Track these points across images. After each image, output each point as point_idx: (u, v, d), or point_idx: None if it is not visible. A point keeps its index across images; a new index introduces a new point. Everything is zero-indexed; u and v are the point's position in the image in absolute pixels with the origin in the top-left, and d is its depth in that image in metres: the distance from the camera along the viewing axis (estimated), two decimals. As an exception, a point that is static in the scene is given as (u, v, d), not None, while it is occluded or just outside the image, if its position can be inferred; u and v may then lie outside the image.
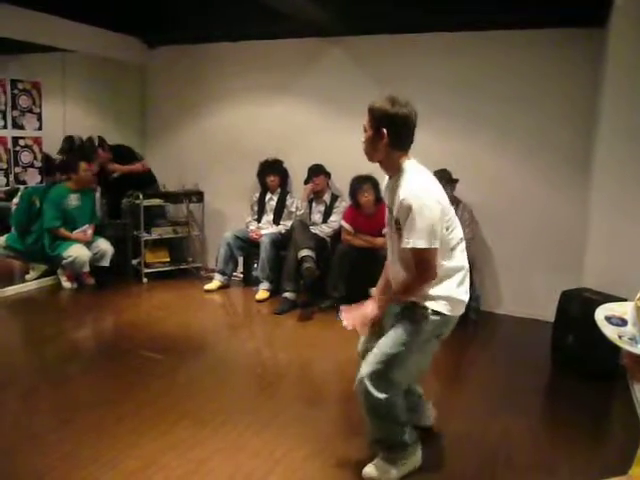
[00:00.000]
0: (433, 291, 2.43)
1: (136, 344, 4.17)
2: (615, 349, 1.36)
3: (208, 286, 5.59)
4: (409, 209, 2.26)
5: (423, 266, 2.33)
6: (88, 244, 5.42)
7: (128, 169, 5.97)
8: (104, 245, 5.51)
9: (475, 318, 4.84)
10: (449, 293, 2.45)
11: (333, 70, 5.63)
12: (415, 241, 2.27)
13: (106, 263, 5.53)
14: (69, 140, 5.91)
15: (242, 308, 5.56)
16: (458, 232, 2.49)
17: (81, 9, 5.33)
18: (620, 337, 1.32)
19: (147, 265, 5.86)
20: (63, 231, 5.38)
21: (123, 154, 6.07)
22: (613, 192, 4.01)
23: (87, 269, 5.40)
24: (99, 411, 3.11)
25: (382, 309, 2.58)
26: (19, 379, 3.59)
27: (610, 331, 1.34)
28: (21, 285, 5.44)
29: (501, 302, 5.23)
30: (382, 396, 2.43)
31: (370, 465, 2.58)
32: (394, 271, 2.56)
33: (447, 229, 2.40)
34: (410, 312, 2.48)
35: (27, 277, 5.59)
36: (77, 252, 5.30)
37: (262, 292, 5.36)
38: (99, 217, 5.78)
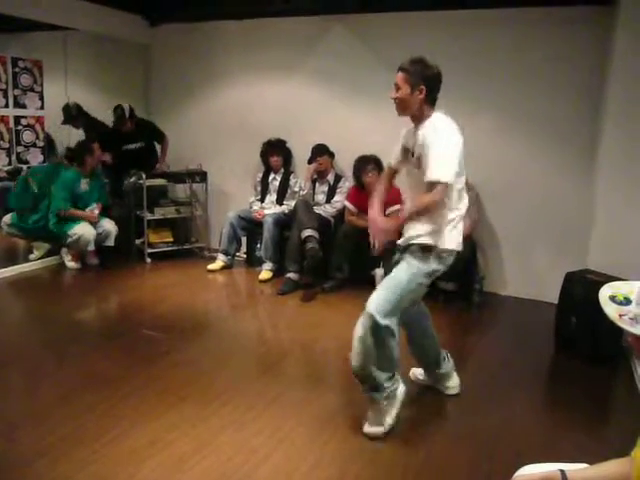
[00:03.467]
0: (436, 229, 2.68)
1: (139, 324, 4.19)
2: (618, 331, 1.35)
3: (211, 266, 5.59)
4: (437, 143, 2.56)
5: (439, 196, 2.56)
6: (93, 223, 5.43)
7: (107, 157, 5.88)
8: (109, 225, 5.53)
9: (479, 300, 4.84)
10: (452, 232, 2.71)
11: (338, 49, 5.57)
12: (442, 173, 2.54)
13: (111, 243, 5.55)
14: (120, 109, 5.88)
15: (245, 288, 5.57)
16: (464, 178, 2.74)
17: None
18: (620, 316, 1.31)
19: (150, 245, 5.86)
20: (73, 210, 5.37)
21: (141, 130, 6.02)
22: (618, 175, 3.98)
23: (92, 248, 5.41)
24: (102, 389, 3.13)
25: (398, 222, 2.79)
26: (21, 358, 3.60)
27: (611, 310, 1.33)
28: (25, 265, 5.45)
29: (505, 283, 5.22)
30: (385, 323, 2.63)
31: (366, 424, 2.78)
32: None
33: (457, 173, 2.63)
34: (417, 249, 2.71)
35: (31, 257, 5.60)
36: (82, 230, 5.31)
37: (265, 272, 5.36)
38: (107, 198, 5.77)
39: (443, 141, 2.59)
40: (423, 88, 2.63)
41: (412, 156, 2.76)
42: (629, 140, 3.90)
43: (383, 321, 2.63)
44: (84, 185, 5.49)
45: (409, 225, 2.77)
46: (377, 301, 2.69)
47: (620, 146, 3.96)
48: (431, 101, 2.69)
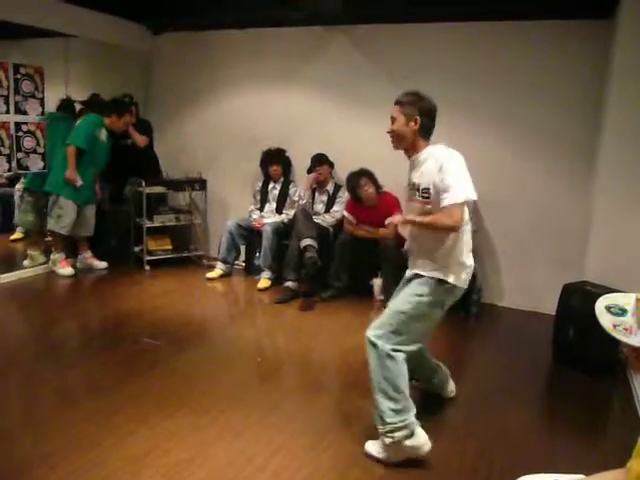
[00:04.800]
0: (442, 261, 2.68)
1: (137, 331, 4.18)
2: (615, 343, 1.37)
3: (210, 274, 5.60)
4: (442, 170, 2.56)
5: (456, 217, 2.54)
6: (79, 209, 5.43)
7: (143, 140, 5.84)
8: (89, 213, 5.55)
9: (477, 311, 4.85)
10: (456, 264, 2.70)
11: (339, 59, 5.61)
12: (460, 194, 2.53)
13: (89, 233, 5.60)
14: (128, 97, 5.94)
15: (244, 297, 5.57)
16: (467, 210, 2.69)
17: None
18: (615, 327, 1.32)
19: (149, 253, 5.87)
20: (74, 157, 5.28)
21: (142, 126, 5.99)
22: (616, 187, 4.00)
23: (66, 232, 5.39)
24: (100, 397, 3.13)
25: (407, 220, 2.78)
26: (19, 366, 3.59)
27: (606, 320, 1.34)
28: (18, 272, 5.43)
29: (503, 295, 5.23)
30: (383, 344, 2.62)
31: (370, 442, 2.72)
32: (420, 244, 2.79)
33: None
34: (419, 278, 2.73)
35: (24, 263, 5.59)
36: (66, 212, 5.32)
37: (264, 281, 5.37)
38: (106, 166, 5.70)
39: (453, 165, 2.58)
40: (417, 119, 2.65)
41: (411, 188, 2.77)
42: (628, 153, 3.92)
43: (380, 343, 2.62)
44: (103, 135, 5.50)
45: (418, 258, 2.77)
46: (376, 323, 2.71)
47: (618, 159, 3.99)
48: (425, 133, 2.70)
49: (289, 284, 5.10)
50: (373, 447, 2.69)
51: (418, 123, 2.65)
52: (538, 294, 4.98)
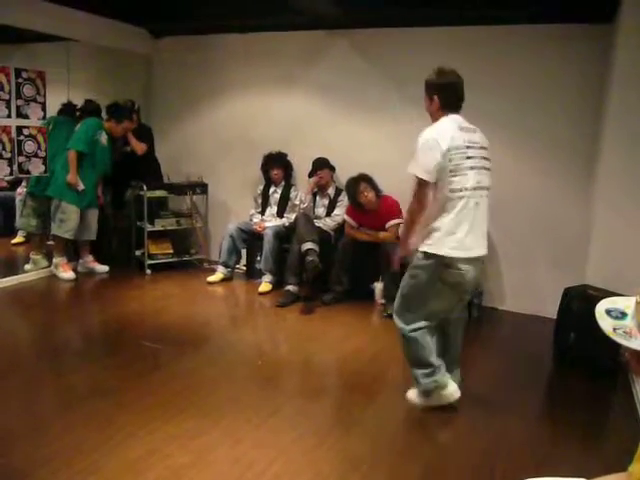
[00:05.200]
0: (425, 233, 2.91)
1: (138, 335, 4.18)
2: (616, 346, 1.36)
3: (211, 278, 5.60)
4: (417, 144, 2.85)
5: (416, 194, 2.86)
6: (82, 213, 5.43)
7: (141, 148, 5.82)
8: (91, 217, 5.55)
9: (477, 314, 4.85)
10: (438, 233, 2.87)
11: (340, 63, 5.62)
12: (412, 168, 2.84)
13: (91, 237, 5.60)
14: (130, 102, 5.92)
15: (245, 300, 5.57)
16: (463, 180, 2.84)
17: (87, -2, 5.34)
18: (615, 330, 1.31)
19: (150, 256, 5.87)
20: (75, 161, 5.29)
21: (142, 132, 5.98)
22: (616, 191, 4.00)
23: (71, 237, 5.40)
24: (101, 401, 3.13)
25: (403, 245, 3.12)
26: (20, 369, 3.59)
27: (606, 324, 1.33)
28: (20, 276, 5.44)
29: (504, 298, 5.23)
30: (403, 326, 3.03)
31: (410, 390, 3.20)
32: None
33: (450, 171, 2.81)
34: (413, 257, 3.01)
35: (26, 267, 5.59)
36: (70, 216, 5.33)
37: (265, 285, 5.37)
38: (110, 169, 5.72)
39: (420, 139, 2.86)
40: (435, 97, 2.93)
41: None
42: (628, 157, 3.92)
43: (400, 326, 3.04)
44: (103, 139, 5.51)
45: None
46: (394, 305, 3.12)
47: (619, 163, 3.99)
48: (448, 108, 2.94)
49: (290, 288, 5.10)
50: (413, 394, 3.17)
51: (435, 101, 2.92)
52: (539, 298, 4.97)
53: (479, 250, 2.94)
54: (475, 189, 2.88)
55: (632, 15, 3.88)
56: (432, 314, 3.04)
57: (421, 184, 2.83)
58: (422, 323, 3.01)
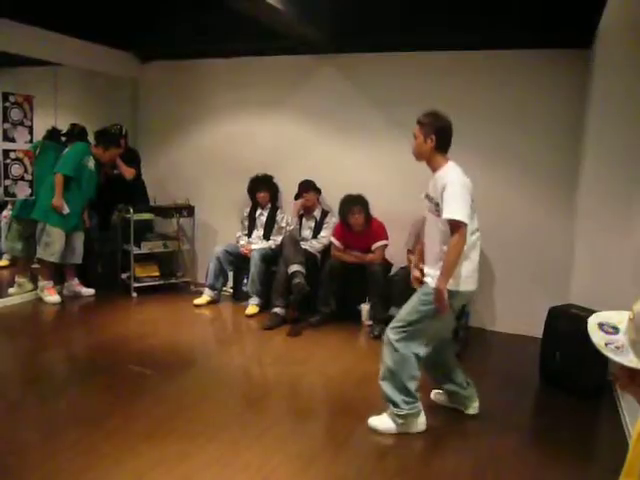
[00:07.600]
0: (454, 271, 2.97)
1: (125, 358, 4.15)
2: (602, 365, 1.38)
3: (197, 301, 5.58)
4: (445, 189, 2.94)
5: (459, 238, 2.91)
6: (67, 236, 5.41)
7: (130, 172, 5.85)
8: (77, 240, 5.52)
9: (463, 334, 4.86)
10: (466, 272, 3.03)
11: (325, 87, 5.69)
12: (453, 213, 2.90)
13: (77, 260, 5.56)
14: (118, 126, 5.96)
15: (231, 323, 5.55)
16: (476, 221, 3.08)
17: (74, 23, 5.39)
18: (606, 345, 1.31)
19: (137, 279, 5.85)
20: (61, 184, 5.30)
21: (130, 156, 6.01)
22: (598, 210, 4.06)
23: (56, 260, 5.37)
24: (86, 426, 3.09)
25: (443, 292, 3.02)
26: (4, 394, 3.55)
27: (598, 338, 1.33)
28: (4, 299, 5.39)
29: (490, 318, 5.26)
30: (399, 345, 3.04)
31: (374, 417, 3.18)
32: (431, 251, 3.12)
33: (473, 213, 3.00)
34: (425, 286, 3.08)
35: (10, 291, 5.55)
36: (56, 238, 5.31)
37: (252, 307, 5.36)
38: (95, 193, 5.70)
39: (452, 185, 2.93)
40: (433, 137, 3.03)
41: (430, 202, 3.11)
42: (609, 178, 3.98)
43: (397, 345, 3.04)
44: (91, 164, 5.51)
45: (426, 264, 3.17)
46: (394, 323, 3.11)
47: (599, 185, 4.05)
48: (442, 149, 3.08)
49: (277, 310, 5.09)
50: (378, 421, 3.16)
51: (434, 141, 3.03)
52: (526, 318, 4.99)
53: None
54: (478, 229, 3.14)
55: (607, 41, 3.98)
56: (435, 338, 3.14)
57: (461, 227, 2.91)
58: (422, 350, 3.07)
